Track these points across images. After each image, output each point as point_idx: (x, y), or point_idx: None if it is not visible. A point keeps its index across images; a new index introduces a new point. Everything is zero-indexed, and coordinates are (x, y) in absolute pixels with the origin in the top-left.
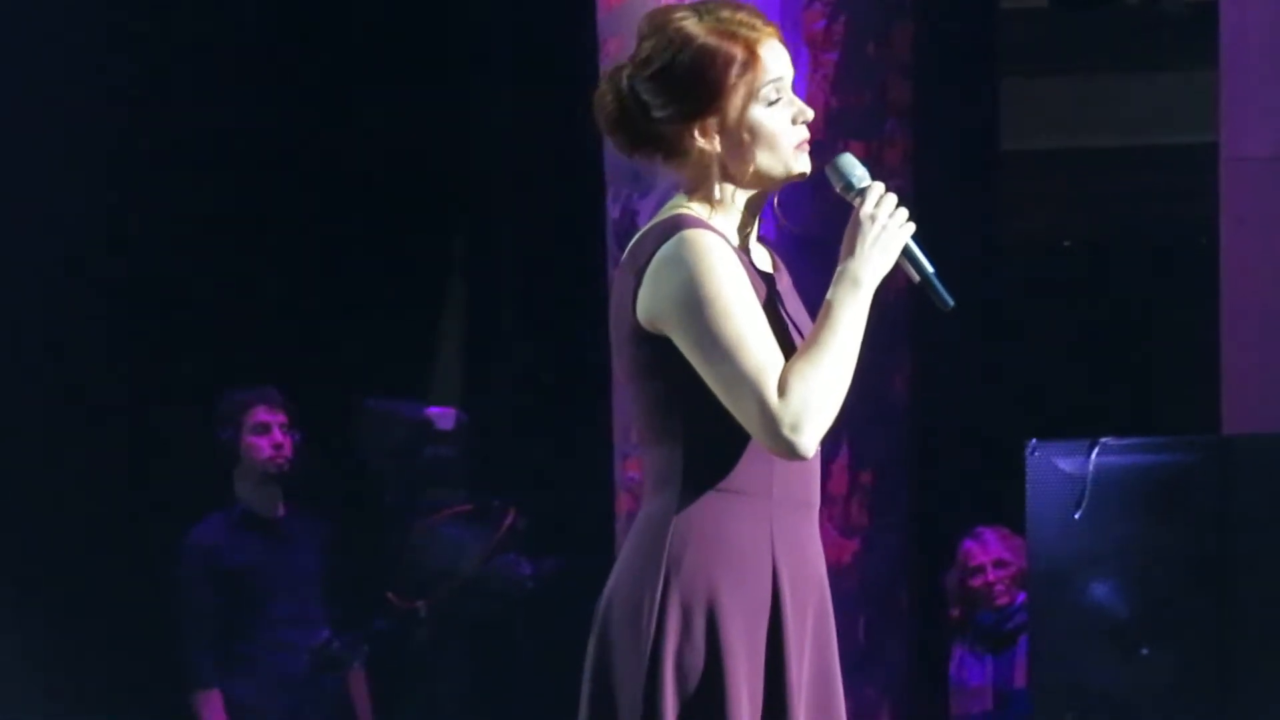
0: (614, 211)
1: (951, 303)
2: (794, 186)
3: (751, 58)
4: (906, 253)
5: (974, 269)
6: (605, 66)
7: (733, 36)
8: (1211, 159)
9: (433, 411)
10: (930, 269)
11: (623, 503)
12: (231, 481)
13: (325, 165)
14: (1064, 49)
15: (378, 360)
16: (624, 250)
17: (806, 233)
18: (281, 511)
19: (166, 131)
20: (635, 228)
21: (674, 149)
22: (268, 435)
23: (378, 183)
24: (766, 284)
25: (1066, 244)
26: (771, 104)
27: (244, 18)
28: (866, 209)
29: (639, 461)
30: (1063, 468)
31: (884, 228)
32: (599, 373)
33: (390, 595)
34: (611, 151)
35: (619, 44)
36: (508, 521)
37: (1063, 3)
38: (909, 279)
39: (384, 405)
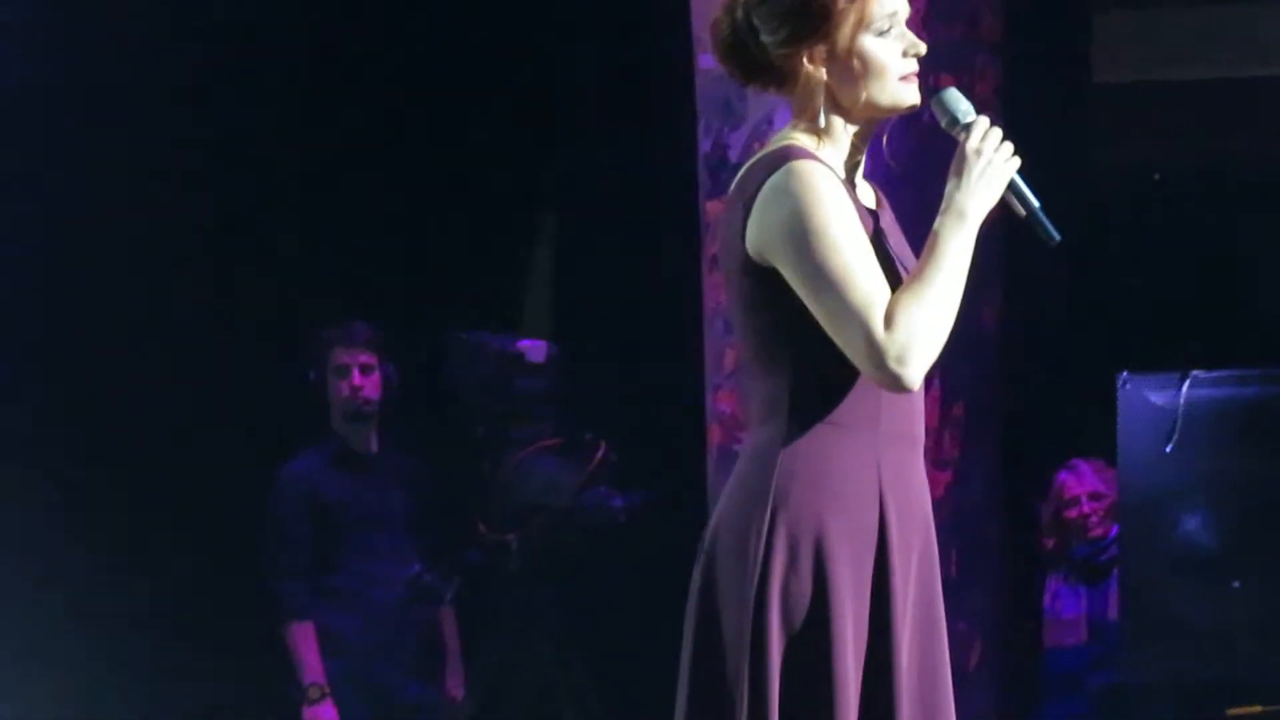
0: (705, 144)
1: (1058, 237)
2: (900, 127)
3: None
4: (1012, 187)
5: (1065, 202)
6: None
7: None
8: None
9: (524, 344)
10: (1036, 203)
11: (714, 435)
12: (329, 417)
13: (418, 96)
14: None
15: (468, 293)
16: (715, 182)
17: (909, 171)
18: (375, 447)
19: (267, 64)
20: (726, 160)
21: (784, 76)
22: (346, 377)
23: (468, 114)
24: (872, 219)
25: (1156, 176)
26: (882, 34)
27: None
28: (972, 143)
29: (730, 394)
30: (1154, 400)
31: (990, 162)
32: (690, 304)
33: (481, 527)
34: (703, 83)
35: None
36: (599, 455)
37: None
38: (1014, 213)
39: (474, 338)
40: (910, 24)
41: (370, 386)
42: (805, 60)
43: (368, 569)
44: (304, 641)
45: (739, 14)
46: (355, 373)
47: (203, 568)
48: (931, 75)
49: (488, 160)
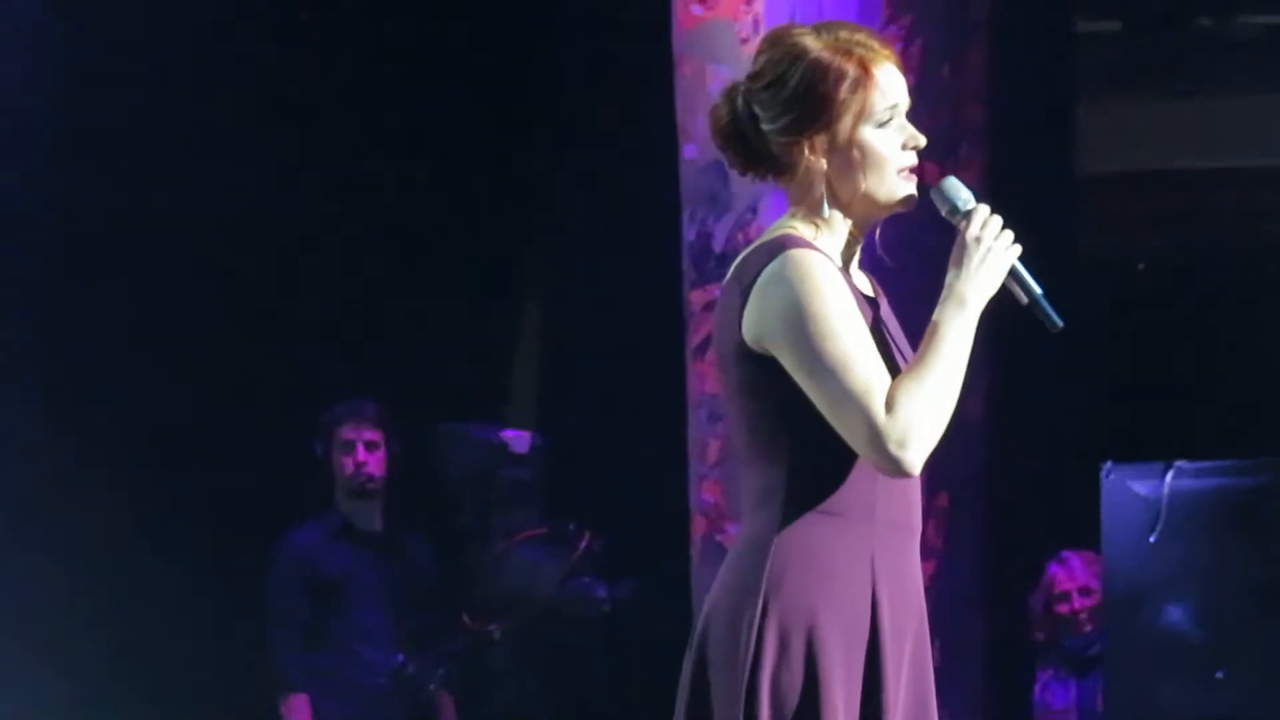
0: (689, 233)
1: (1061, 323)
2: (890, 219)
3: (865, 76)
4: (1014, 274)
5: (1049, 291)
6: (680, 89)
7: (848, 54)
8: None
9: (508, 434)
10: (1038, 290)
11: (698, 525)
12: (334, 492)
13: (405, 188)
14: (1139, 72)
15: (453, 383)
16: (699, 272)
17: (900, 263)
18: (379, 524)
19: (255, 155)
20: (711, 250)
21: (783, 165)
22: (351, 453)
23: (453, 204)
24: (871, 307)
25: (1141, 266)
26: (883, 125)
27: (320, 42)
28: (972, 231)
29: (715, 484)
30: (1138, 491)
31: (990, 249)
32: (674, 394)
33: (465, 618)
34: (688, 173)
35: (694, 66)
36: (583, 544)
37: (1137, 25)
38: (1017, 300)
39: (459, 428)
40: None
41: (375, 464)
42: (806, 149)
43: (361, 650)
44: (299, 714)
45: (739, 101)
46: (360, 449)
47: (202, 637)
48: (917, 167)
49: (470, 252)
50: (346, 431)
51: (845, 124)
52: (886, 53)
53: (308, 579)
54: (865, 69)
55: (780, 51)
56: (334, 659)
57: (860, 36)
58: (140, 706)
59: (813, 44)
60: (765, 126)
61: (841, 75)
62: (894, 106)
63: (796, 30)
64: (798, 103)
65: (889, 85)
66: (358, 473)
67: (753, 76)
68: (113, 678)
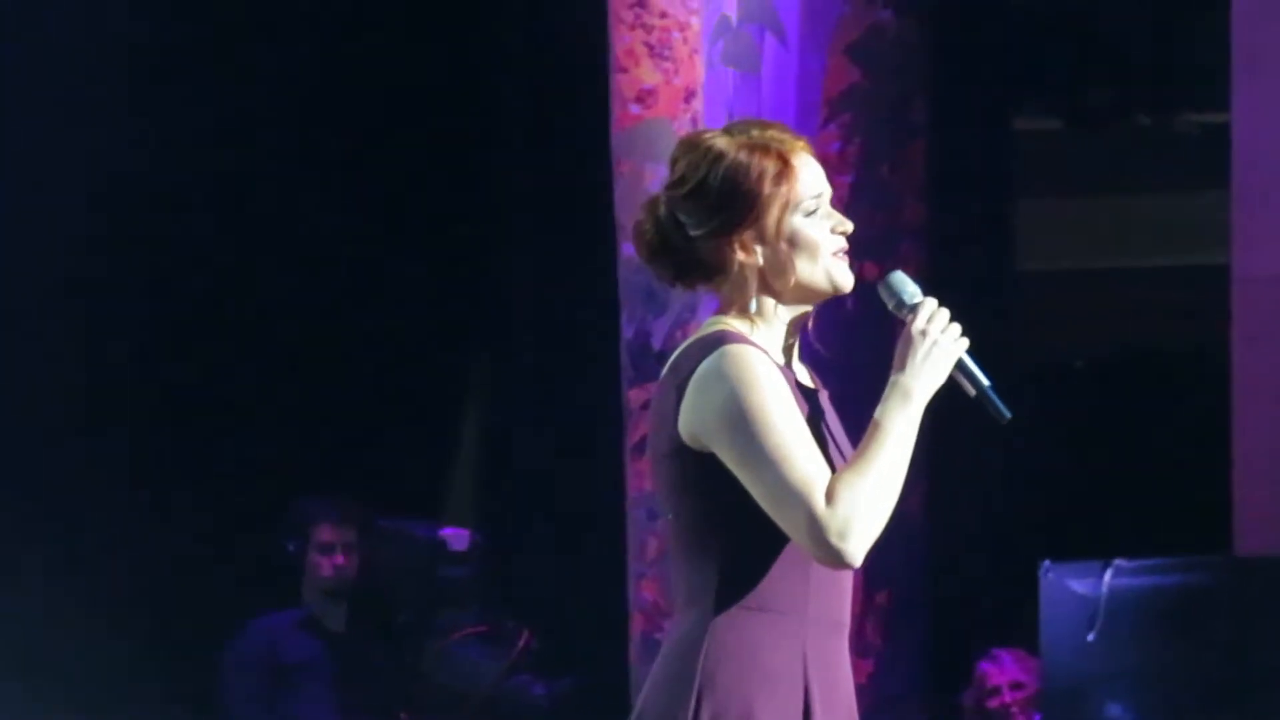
0: (628, 331)
1: (1009, 415)
2: (826, 312)
3: (785, 168)
4: (961, 367)
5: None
6: (619, 188)
7: (764, 149)
8: (1224, 278)
9: (447, 532)
10: (986, 382)
11: (637, 623)
12: (301, 589)
13: (343, 284)
14: (1078, 170)
15: (391, 481)
16: (638, 370)
17: (837, 357)
18: (344, 624)
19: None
20: (649, 348)
21: (714, 267)
22: (330, 555)
23: (391, 301)
24: (810, 400)
25: (1078, 364)
26: (810, 215)
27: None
28: (918, 324)
29: (653, 582)
30: (1076, 589)
31: (935, 343)
32: (613, 493)
33: (403, 715)
34: (626, 271)
35: (632, 164)
36: (521, 642)
37: (1077, 124)
38: (965, 392)
39: (398, 526)
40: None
41: (352, 565)
42: (737, 248)
43: None
44: None
45: (662, 211)
46: (340, 551)
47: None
48: (855, 264)
49: (408, 350)
50: (325, 532)
51: (772, 217)
52: (801, 144)
53: (265, 661)
54: (784, 161)
55: (697, 155)
56: None
57: (772, 132)
58: None
59: (728, 144)
60: (692, 232)
61: (762, 172)
62: (818, 195)
63: (708, 134)
64: (723, 204)
65: (810, 175)
66: (335, 575)
67: (673, 184)
68: None
